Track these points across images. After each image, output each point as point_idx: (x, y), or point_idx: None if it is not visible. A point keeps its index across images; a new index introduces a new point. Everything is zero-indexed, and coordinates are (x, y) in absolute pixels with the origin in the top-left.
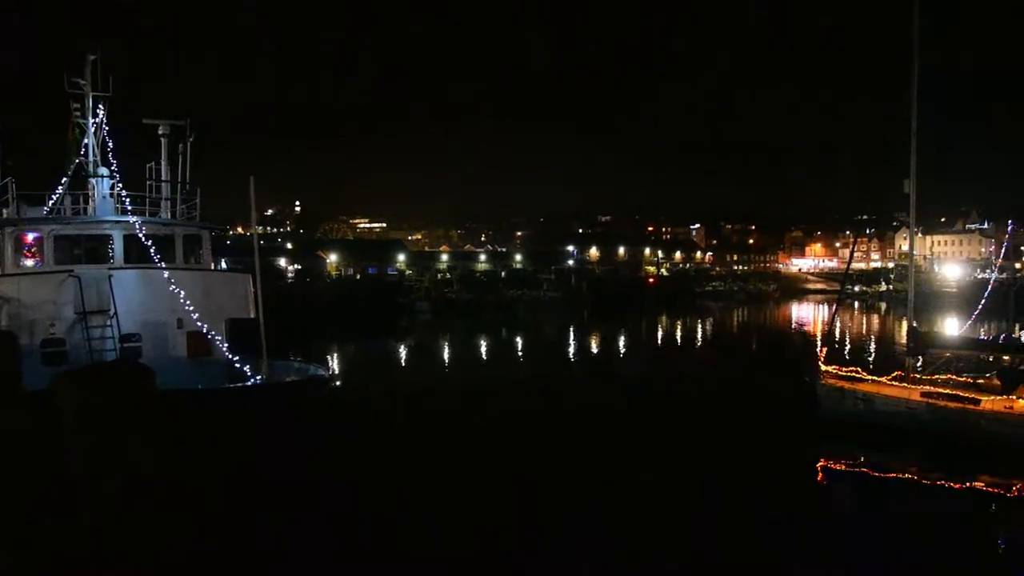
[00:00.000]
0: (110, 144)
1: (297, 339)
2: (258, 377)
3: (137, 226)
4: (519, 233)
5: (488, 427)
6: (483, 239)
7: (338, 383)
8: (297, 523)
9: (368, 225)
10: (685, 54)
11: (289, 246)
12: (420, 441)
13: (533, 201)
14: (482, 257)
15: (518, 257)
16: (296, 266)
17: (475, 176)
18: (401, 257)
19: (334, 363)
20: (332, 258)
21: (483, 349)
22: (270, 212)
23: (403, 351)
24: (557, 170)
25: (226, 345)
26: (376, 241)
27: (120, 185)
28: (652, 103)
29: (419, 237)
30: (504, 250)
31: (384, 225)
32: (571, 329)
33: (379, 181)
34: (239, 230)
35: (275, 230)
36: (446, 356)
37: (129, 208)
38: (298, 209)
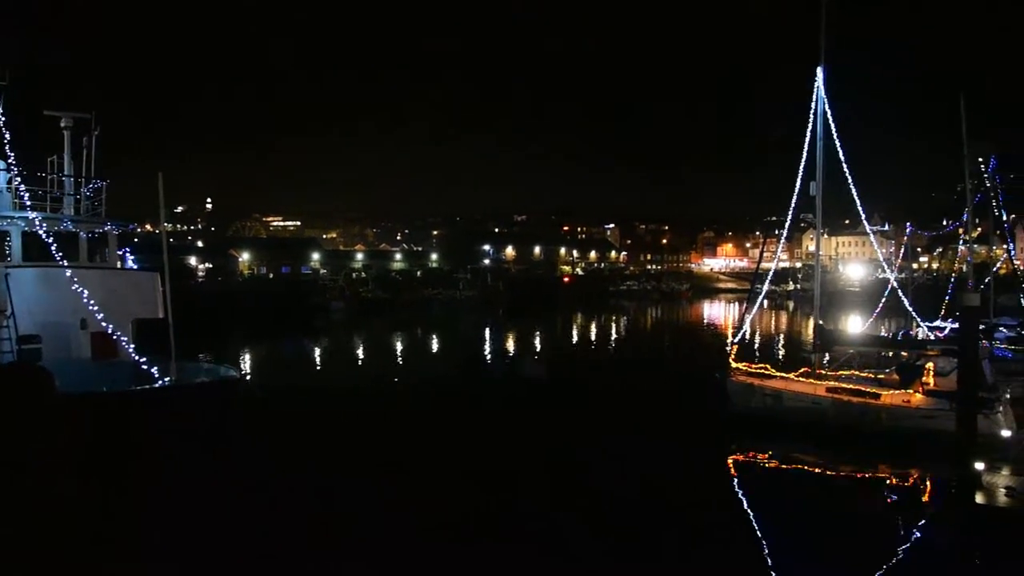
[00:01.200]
0: (7, 136)
1: (208, 340)
2: (167, 379)
3: (37, 222)
4: (435, 232)
5: (402, 426)
6: (399, 238)
7: (251, 384)
8: (205, 530)
9: (282, 223)
10: (599, 56)
11: (200, 244)
12: (332, 442)
13: (449, 201)
14: (398, 256)
15: (434, 256)
16: (207, 265)
17: (391, 175)
18: (316, 256)
19: (246, 364)
20: (245, 257)
21: (398, 348)
22: (180, 209)
23: (318, 351)
24: (474, 171)
25: (133, 346)
26: (290, 239)
27: (19, 179)
28: (569, 106)
29: (334, 236)
30: (420, 249)
31: (298, 223)
32: (487, 328)
33: (294, 179)
34: (148, 228)
35: (185, 228)
36: (361, 356)
37: (28, 204)
38: (209, 206)
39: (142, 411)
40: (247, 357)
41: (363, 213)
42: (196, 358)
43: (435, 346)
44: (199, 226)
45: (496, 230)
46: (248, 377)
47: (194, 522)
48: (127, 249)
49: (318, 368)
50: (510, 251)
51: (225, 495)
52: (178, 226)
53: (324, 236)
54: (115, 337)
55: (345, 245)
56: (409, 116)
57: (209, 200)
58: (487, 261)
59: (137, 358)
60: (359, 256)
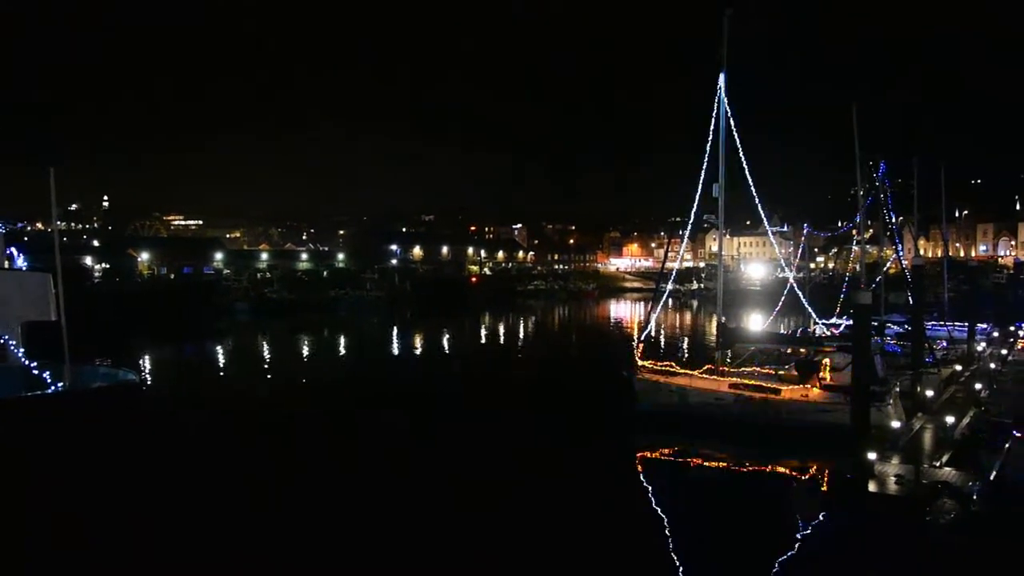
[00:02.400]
0: None
1: (106, 343)
2: (60, 384)
3: None
4: (342, 232)
5: (305, 429)
6: (304, 238)
7: (151, 388)
8: (102, 541)
9: (183, 222)
10: (504, 58)
11: (96, 244)
12: (235, 445)
13: (356, 201)
14: (303, 256)
15: (341, 256)
16: (104, 265)
17: (297, 174)
18: (219, 256)
19: (146, 367)
20: (144, 257)
21: (304, 351)
22: (74, 207)
23: (221, 353)
24: (381, 171)
25: (22, 350)
26: (192, 239)
27: None
28: (476, 107)
29: (237, 235)
30: (326, 249)
31: (200, 222)
32: (394, 328)
33: (195, 177)
34: (38, 226)
35: (80, 227)
36: (266, 357)
37: None
38: (106, 204)
39: (32, 419)
40: (147, 361)
41: (268, 212)
42: (92, 362)
43: (341, 347)
44: (95, 225)
45: (404, 230)
46: (148, 382)
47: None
48: (14, 248)
49: (222, 371)
50: (417, 251)
51: (111, 509)
52: (72, 224)
53: (228, 236)
54: (2, 341)
55: (249, 245)
56: (315, 115)
57: (106, 198)
58: (394, 261)
59: (27, 363)
60: (264, 256)
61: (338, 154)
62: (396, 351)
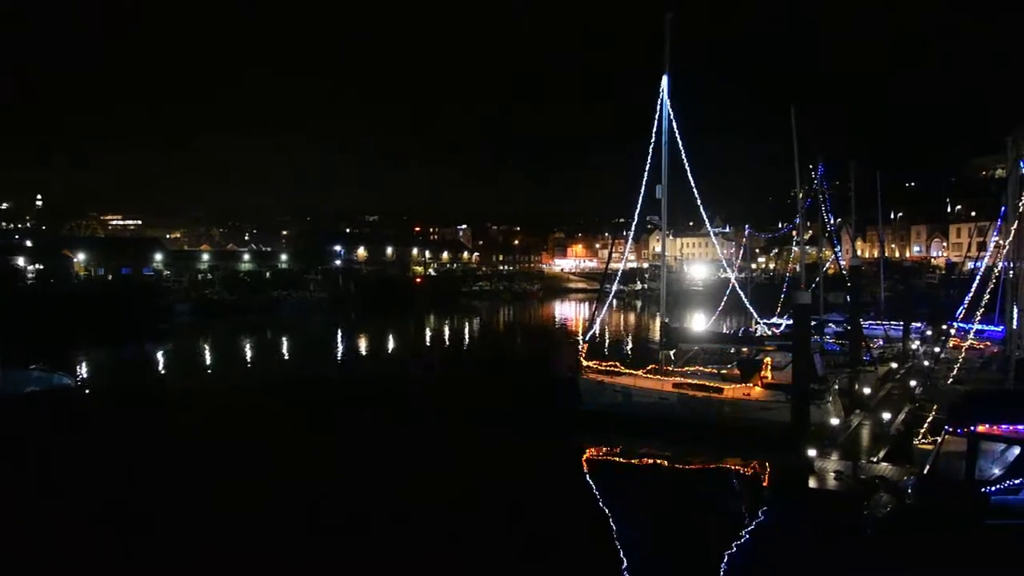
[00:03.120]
0: None
1: (40, 346)
2: None
3: None
4: (285, 233)
5: (248, 431)
6: (247, 238)
7: (88, 392)
8: (34, 547)
9: (121, 222)
10: (448, 58)
11: (29, 244)
12: (176, 448)
13: (300, 201)
14: (246, 257)
15: (284, 257)
16: (38, 266)
17: (239, 174)
18: (158, 256)
19: (83, 371)
20: (80, 257)
21: (246, 352)
22: (5, 206)
23: (161, 356)
24: (325, 171)
25: None
26: (131, 239)
27: None
28: (419, 108)
29: (178, 235)
30: (269, 250)
31: (139, 222)
32: (338, 330)
33: (134, 176)
34: None
35: (12, 226)
36: (207, 360)
37: None
38: (39, 203)
39: None
40: (84, 364)
41: (210, 212)
42: (26, 366)
43: (284, 349)
44: (28, 225)
45: (348, 230)
46: (85, 385)
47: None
48: None
49: (163, 373)
50: (362, 252)
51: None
52: (3, 224)
53: (168, 236)
54: None
55: (190, 245)
56: (258, 114)
57: (40, 197)
58: (338, 262)
59: None
60: (205, 257)
61: (281, 154)
62: (340, 353)
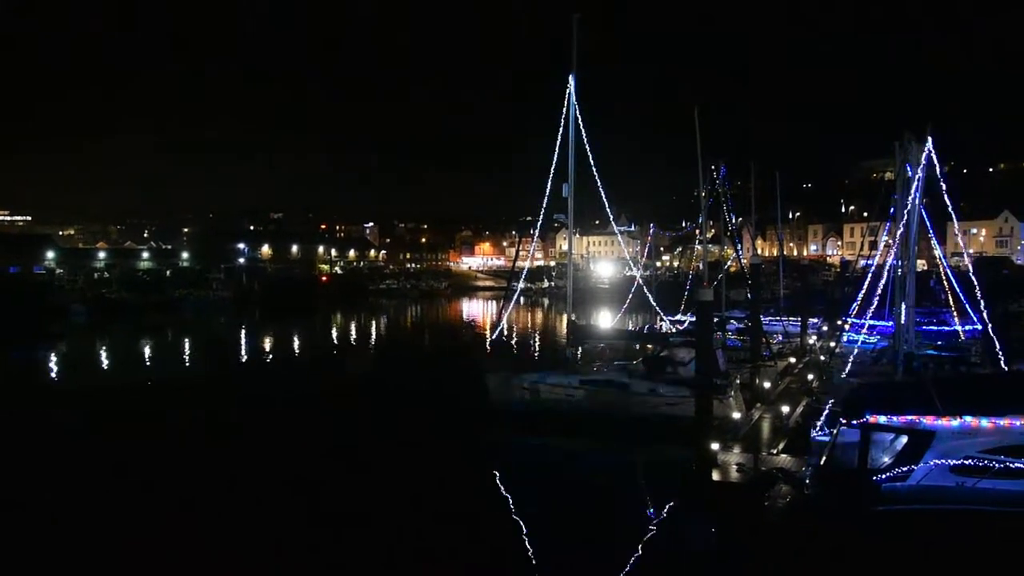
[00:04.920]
0: None
1: None
2: None
3: None
4: (186, 230)
5: (149, 435)
6: (146, 235)
7: None
8: None
9: (9, 218)
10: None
11: None
12: (67, 453)
13: (201, 198)
14: (145, 255)
15: (185, 255)
16: None
17: (137, 170)
18: (50, 254)
19: None
20: None
21: (145, 352)
22: None
23: (54, 359)
24: (227, 166)
25: None
26: (20, 236)
27: None
28: (327, 104)
29: (72, 233)
30: (170, 248)
31: (29, 218)
32: (242, 329)
33: (22, 173)
34: None
35: None
36: (104, 362)
37: None
38: None
39: None
40: None
41: (106, 210)
42: None
43: (186, 350)
44: None
45: (251, 228)
46: None
47: None
48: None
49: (53, 377)
50: (266, 249)
51: None
52: None
53: (60, 233)
54: None
55: (85, 243)
56: (157, 108)
57: None
58: (242, 260)
59: None
60: (101, 255)
61: (180, 152)
62: (243, 352)
